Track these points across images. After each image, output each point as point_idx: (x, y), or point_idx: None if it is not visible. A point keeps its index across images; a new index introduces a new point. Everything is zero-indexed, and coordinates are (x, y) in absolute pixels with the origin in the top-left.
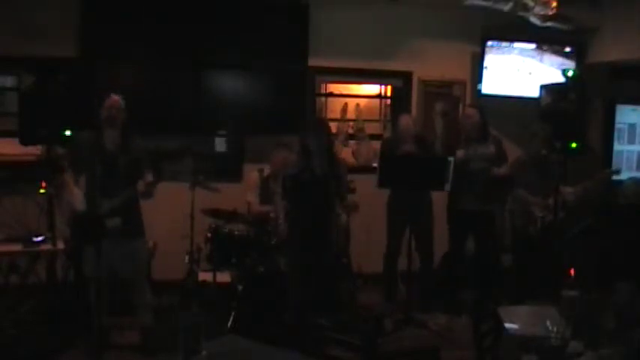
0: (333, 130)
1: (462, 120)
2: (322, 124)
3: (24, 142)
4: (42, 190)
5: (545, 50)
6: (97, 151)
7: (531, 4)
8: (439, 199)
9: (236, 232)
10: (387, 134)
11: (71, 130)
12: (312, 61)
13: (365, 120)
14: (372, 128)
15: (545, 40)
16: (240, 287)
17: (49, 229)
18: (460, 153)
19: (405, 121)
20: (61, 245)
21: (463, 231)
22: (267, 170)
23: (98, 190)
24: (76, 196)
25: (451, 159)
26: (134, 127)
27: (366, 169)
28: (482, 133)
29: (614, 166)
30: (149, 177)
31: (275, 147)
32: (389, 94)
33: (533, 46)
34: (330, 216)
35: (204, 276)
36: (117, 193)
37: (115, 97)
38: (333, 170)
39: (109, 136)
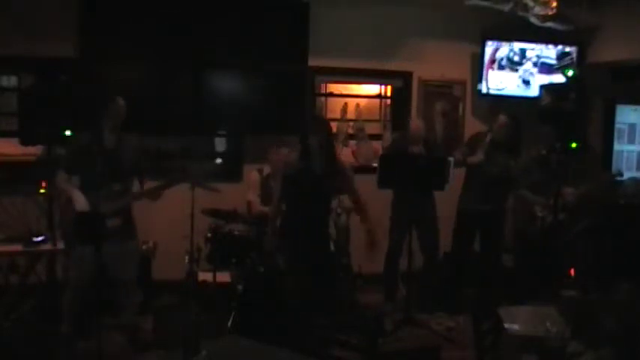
0: (333, 130)
1: (493, 125)
2: (322, 123)
3: (24, 142)
4: (42, 190)
5: (544, 49)
6: (98, 152)
7: (531, 4)
8: (438, 199)
9: (236, 232)
10: (387, 134)
11: (71, 130)
12: (312, 61)
13: (365, 120)
14: (372, 128)
15: (545, 40)
16: (240, 287)
17: (49, 229)
18: (480, 155)
19: (415, 124)
20: (61, 245)
21: (471, 231)
22: (267, 170)
23: (96, 190)
24: (78, 197)
25: (451, 159)
26: (134, 127)
27: (366, 169)
28: (512, 144)
29: (615, 167)
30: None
31: (274, 147)
32: (389, 94)
33: (533, 46)
34: (328, 216)
35: (204, 276)
36: (115, 193)
37: (122, 102)
38: (334, 170)
39: (110, 137)
